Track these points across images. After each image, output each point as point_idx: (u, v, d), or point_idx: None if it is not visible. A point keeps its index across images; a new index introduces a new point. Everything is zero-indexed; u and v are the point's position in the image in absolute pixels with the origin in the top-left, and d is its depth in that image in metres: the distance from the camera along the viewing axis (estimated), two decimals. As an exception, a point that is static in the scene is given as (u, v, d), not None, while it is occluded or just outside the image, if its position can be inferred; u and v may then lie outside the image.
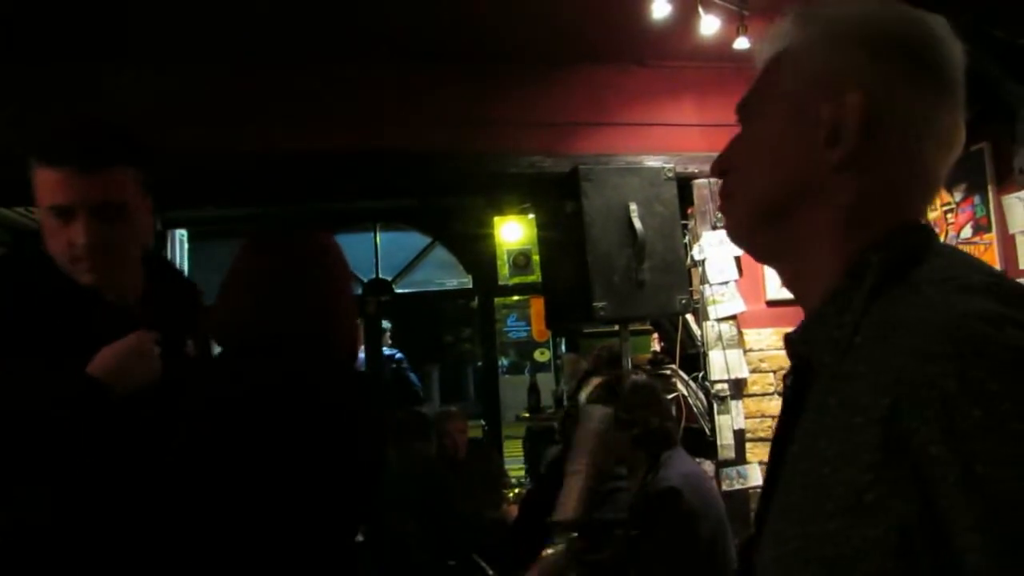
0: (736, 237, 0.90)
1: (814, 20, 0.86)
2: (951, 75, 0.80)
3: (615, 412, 2.81)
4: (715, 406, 3.73)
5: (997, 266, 3.28)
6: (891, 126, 0.79)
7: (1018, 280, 3.15)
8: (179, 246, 6.82)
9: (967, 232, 3.44)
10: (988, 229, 3.34)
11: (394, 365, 7.35)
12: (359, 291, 7.03)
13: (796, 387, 0.83)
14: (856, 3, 0.85)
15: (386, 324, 7.52)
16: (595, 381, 3.92)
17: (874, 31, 0.81)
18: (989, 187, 3.33)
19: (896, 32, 0.81)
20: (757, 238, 0.88)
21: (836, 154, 0.79)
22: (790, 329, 0.84)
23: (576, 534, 0.99)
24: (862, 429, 0.67)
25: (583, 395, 4.02)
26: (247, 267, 1.73)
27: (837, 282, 0.77)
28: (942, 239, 3.50)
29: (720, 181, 0.91)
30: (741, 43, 3.29)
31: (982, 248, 3.37)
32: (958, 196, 3.46)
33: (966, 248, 3.44)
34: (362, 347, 6.90)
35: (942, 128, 0.80)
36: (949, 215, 3.50)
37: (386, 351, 7.22)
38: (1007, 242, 3.25)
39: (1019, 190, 3.15)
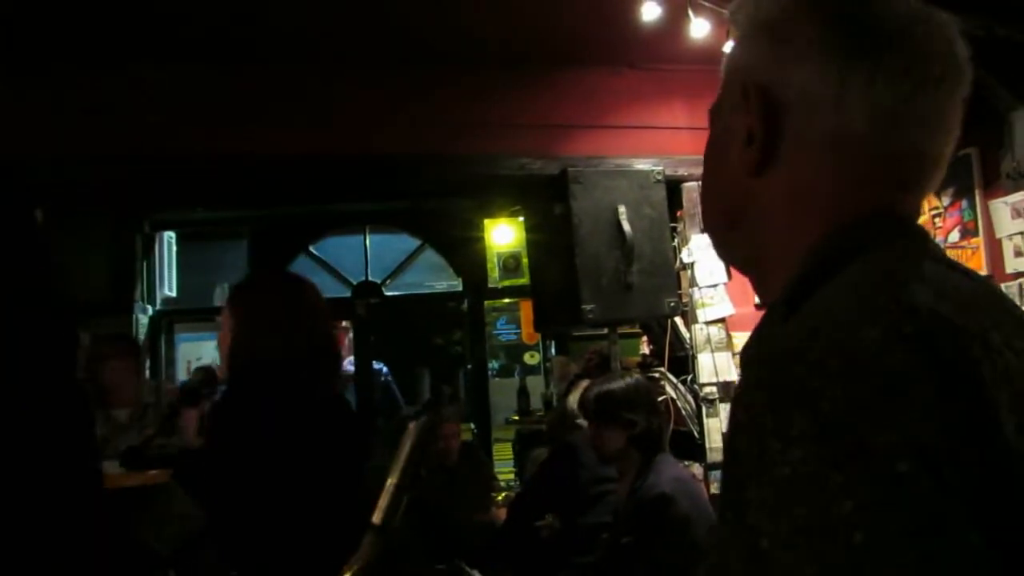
0: (712, 246, 0.85)
1: (737, 17, 0.78)
2: (887, 37, 0.67)
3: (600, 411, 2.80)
4: (703, 409, 3.73)
5: (984, 270, 3.30)
6: (807, 112, 0.69)
7: (1003, 284, 3.17)
8: (167, 248, 6.79)
9: (955, 236, 3.45)
10: (975, 233, 3.35)
11: (383, 379, 7.37)
12: (348, 294, 7.03)
13: None
14: None
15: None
16: (584, 384, 3.92)
17: (779, 12, 0.72)
18: (976, 191, 3.34)
19: (803, 8, 0.71)
20: (722, 250, 0.82)
21: (749, 155, 0.72)
22: None
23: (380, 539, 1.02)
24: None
25: (572, 398, 4.02)
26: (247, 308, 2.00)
27: (781, 290, 0.70)
28: (930, 243, 3.51)
29: None
30: (730, 46, 3.29)
31: (969, 252, 3.38)
32: (946, 200, 3.48)
33: (953, 252, 3.46)
34: (351, 356, 6.89)
35: (888, 100, 0.67)
36: (937, 219, 3.51)
37: (374, 364, 7.25)
38: (994, 246, 3.26)
39: (1006, 195, 3.16)
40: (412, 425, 1.13)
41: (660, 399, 3.66)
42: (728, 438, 0.60)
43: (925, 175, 0.71)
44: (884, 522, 0.48)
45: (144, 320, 6.43)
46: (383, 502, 1.04)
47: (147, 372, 5.77)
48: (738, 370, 0.81)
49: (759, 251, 0.75)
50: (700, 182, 0.84)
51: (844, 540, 0.49)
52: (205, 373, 2.18)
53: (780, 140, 0.70)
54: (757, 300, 3.21)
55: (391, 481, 1.05)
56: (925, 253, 0.66)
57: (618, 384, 2.85)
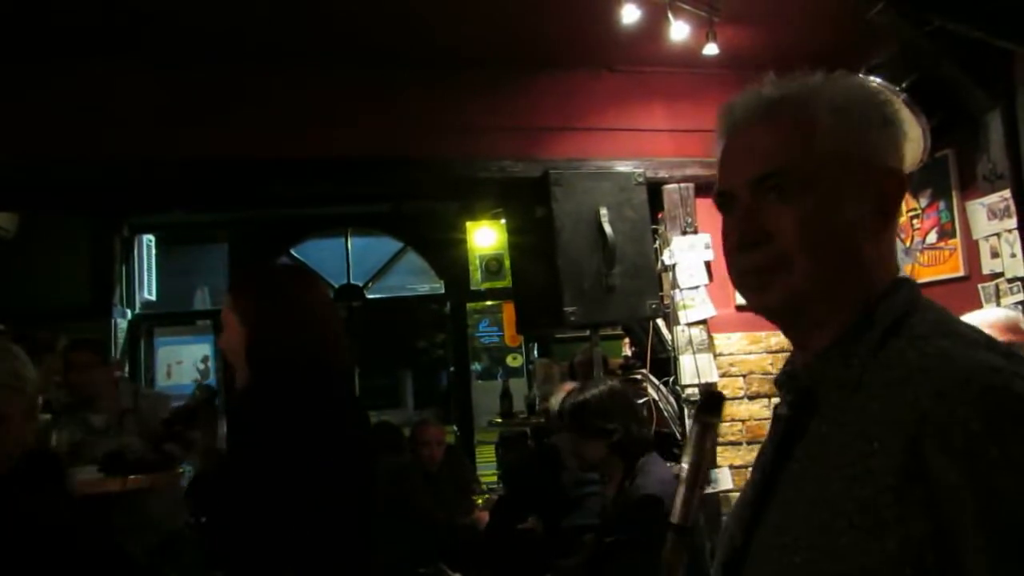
0: (786, 308, 0.92)
1: (836, 102, 0.91)
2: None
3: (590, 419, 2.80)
4: (685, 410, 3.74)
5: (961, 271, 3.33)
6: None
7: (980, 285, 3.20)
8: (147, 251, 6.75)
9: (932, 237, 3.48)
10: (952, 235, 3.38)
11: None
12: (330, 296, 7.00)
13: (794, 416, 0.90)
14: (854, 82, 0.95)
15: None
16: (567, 386, 3.93)
17: (888, 113, 0.92)
18: (953, 193, 3.37)
19: (898, 112, 0.93)
20: (803, 307, 0.90)
21: (877, 223, 0.89)
22: (760, 334, 0.88)
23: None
24: (880, 456, 0.75)
25: (553, 400, 4.03)
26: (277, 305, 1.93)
27: (842, 329, 0.87)
28: (908, 244, 3.55)
29: (752, 252, 0.91)
30: (710, 49, 3.31)
31: (947, 253, 3.41)
32: (924, 202, 3.51)
33: (931, 254, 3.49)
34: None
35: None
36: (915, 220, 3.54)
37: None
38: (970, 247, 3.29)
39: (982, 196, 3.20)
40: (692, 426, 1.16)
41: (642, 401, 3.67)
42: (912, 432, 0.74)
43: None
44: None
45: (123, 324, 6.38)
46: (679, 503, 1.08)
47: (126, 376, 5.71)
48: (781, 388, 0.88)
49: (824, 299, 0.89)
50: (807, 247, 0.89)
51: None
52: (208, 392, 2.07)
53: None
54: (738, 301, 3.21)
55: (683, 484, 1.08)
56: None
57: (592, 393, 2.82)
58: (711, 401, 1.05)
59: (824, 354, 0.88)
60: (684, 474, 1.08)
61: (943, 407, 0.73)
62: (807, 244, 0.88)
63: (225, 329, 1.93)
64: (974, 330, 0.83)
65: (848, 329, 0.86)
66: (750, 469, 1.00)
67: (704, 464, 1.06)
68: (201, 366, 6.77)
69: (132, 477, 3.35)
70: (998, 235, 3.14)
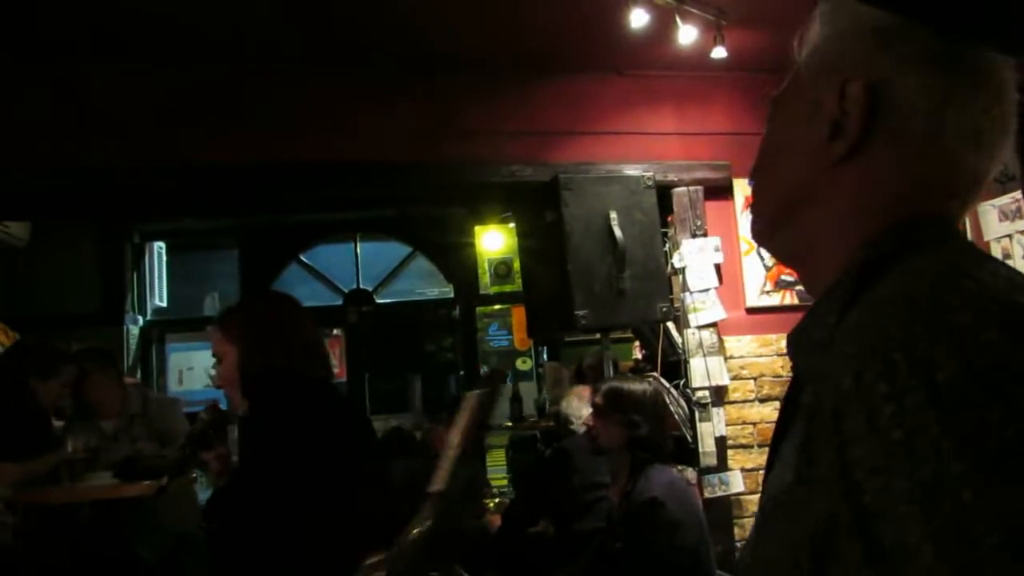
0: (757, 237, 0.86)
1: (831, 13, 0.81)
2: (975, 64, 0.73)
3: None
4: (696, 413, 3.74)
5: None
6: (901, 116, 0.73)
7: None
8: (157, 258, 6.78)
9: (943, 238, 3.48)
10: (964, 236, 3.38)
11: None
12: (340, 302, 7.03)
13: (789, 396, 0.77)
14: None
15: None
16: (578, 389, 3.93)
17: (884, 19, 0.75)
18: (964, 194, 3.37)
19: (915, 20, 0.75)
20: (776, 238, 0.83)
21: (838, 147, 0.74)
22: (771, 336, 0.81)
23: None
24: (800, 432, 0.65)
25: (564, 403, 4.04)
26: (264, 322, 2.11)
27: (830, 284, 0.73)
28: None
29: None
30: (719, 52, 3.31)
31: (958, 254, 3.41)
32: (934, 203, 3.51)
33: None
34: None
35: (966, 120, 0.73)
36: (925, 222, 3.54)
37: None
38: (982, 248, 3.29)
39: (993, 198, 3.19)
40: (470, 395, 1.17)
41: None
42: (819, 400, 0.63)
43: (974, 189, 0.77)
44: (993, 481, 0.52)
45: (135, 330, 6.41)
46: (443, 470, 1.09)
47: (138, 382, 5.74)
48: (791, 353, 0.78)
49: (812, 239, 0.78)
50: (756, 171, 0.84)
51: (954, 497, 0.53)
52: (214, 413, 2.20)
53: (870, 137, 0.74)
54: (748, 304, 3.17)
55: (451, 451, 1.09)
56: (980, 251, 0.71)
57: (633, 385, 2.91)
58: (493, 377, 1.02)
59: (808, 314, 0.74)
60: (454, 445, 1.06)
61: (836, 365, 0.61)
62: (764, 175, 0.82)
63: (223, 360, 2.11)
64: (961, 271, 0.63)
65: (836, 280, 0.72)
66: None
67: (472, 433, 1.04)
68: (212, 372, 6.80)
69: (145, 483, 3.38)
70: (1010, 236, 3.13)
